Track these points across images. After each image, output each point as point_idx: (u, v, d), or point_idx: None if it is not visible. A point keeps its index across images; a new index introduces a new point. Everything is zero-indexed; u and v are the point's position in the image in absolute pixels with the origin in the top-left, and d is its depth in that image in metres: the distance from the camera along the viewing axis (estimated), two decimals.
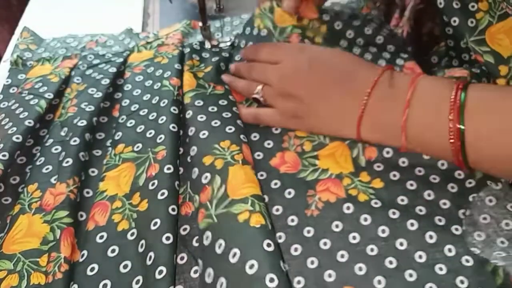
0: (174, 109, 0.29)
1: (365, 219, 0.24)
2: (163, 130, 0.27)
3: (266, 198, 0.25)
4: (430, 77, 0.24)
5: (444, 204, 0.24)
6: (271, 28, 0.33)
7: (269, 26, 0.33)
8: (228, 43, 0.36)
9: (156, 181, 0.25)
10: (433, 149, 0.23)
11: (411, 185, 0.25)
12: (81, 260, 0.23)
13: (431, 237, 0.23)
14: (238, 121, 0.28)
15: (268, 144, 0.28)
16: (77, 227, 0.24)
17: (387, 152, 0.26)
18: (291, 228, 0.24)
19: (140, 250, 0.23)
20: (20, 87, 0.33)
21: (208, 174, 0.24)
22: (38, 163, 0.28)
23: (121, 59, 0.35)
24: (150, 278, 0.21)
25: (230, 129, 0.26)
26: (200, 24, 0.35)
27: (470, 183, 0.24)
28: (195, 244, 0.24)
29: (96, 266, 0.23)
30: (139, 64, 0.34)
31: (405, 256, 0.22)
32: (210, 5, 0.35)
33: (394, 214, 0.24)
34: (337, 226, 0.24)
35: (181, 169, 0.27)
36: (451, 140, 0.21)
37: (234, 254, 0.20)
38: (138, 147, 0.28)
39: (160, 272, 0.21)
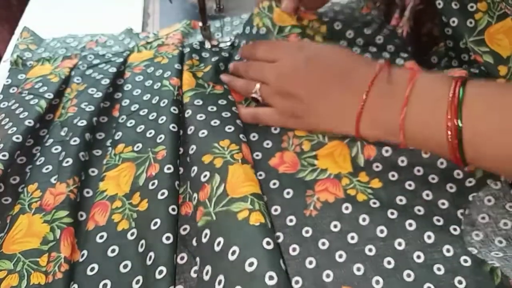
0: (174, 109, 0.29)
1: (364, 219, 0.24)
2: (163, 130, 0.28)
3: (265, 198, 0.25)
4: (429, 74, 0.23)
5: (443, 204, 0.24)
6: (270, 27, 0.33)
7: (268, 25, 0.33)
8: (228, 43, 0.36)
9: (156, 181, 0.25)
10: (431, 146, 0.23)
11: (410, 185, 0.25)
12: (81, 260, 0.23)
13: (429, 237, 0.23)
14: (238, 121, 0.28)
15: (267, 144, 0.28)
16: (77, 227, 0.24)
17: (386, 151, 0.26)
18: (290, 228, 0.24)
19: (140, 250, 0.23)
20: (20, 87, 0.33)
21: (207, 173, 0.24)
22: (38, 163, 0.28)
23: (121, 59, 0.35)
24: (150, 278, 0.21)
25: (230, 128, 0.27)
26: (200, 24, 0.35)
27: (470, 182, 0.24)
28: (195, 243, 0.24)
29: (96, 266, 0.23)
30: (139, 64, 0.34)
31: (403, 256, 0.22)
32: (210, 5, 0.35)
33: (392, 214, 0.24)
34: (335, 226, 0.24)
35: (181, 169, 0.27)
36: (449, 137, 0.21)
37: (233, 252, 0.20)
38: (138, 147, 0.28)
39: (160, 272, 0.21)
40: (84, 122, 0.29)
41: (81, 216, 0.25)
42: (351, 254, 0.23)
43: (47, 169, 0.27)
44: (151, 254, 0.22)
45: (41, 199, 0.26)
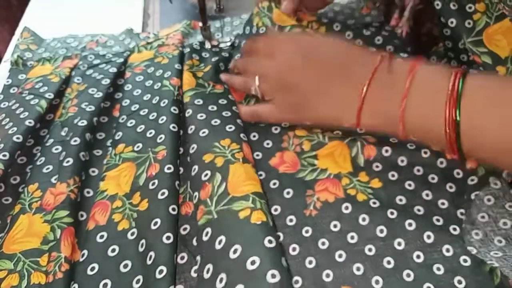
0: (174, 109, 0.29)
1: (364, 219, 0.24)
2: (163, 130, 0.28)
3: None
4: (429, 65, 0.23)
5: (443, 204, 0.24)
6: (270, 27, 0.33)
7: (267, 24, 0.33)
8: (228, 43, 0.36)
9: (156, 181, 0.25)
10: (430, 138, 0.23)
11: (410, 185, 0.25)
12: (81, 259, 0.23)
13: (429, 237, 0.23)
14: (238, 120, 0.28)
15: (267, 144, 0.28)
16: (77, 227, 0.24)
17: (386, 151, 0.26)
18: (290, 228, 0.24)
19: (141, 249, 0.23)
20: (21, 87, 0.33)
21: (208, 172, 0.24)
22: (38, 163, 0.28)
23: (121, 59, 0.35)
24: (151, 278, 0.21)
25: (230, 127, 0.27)
26: (200, 24, 0.35)
27: (472, 180, 0.24)
28: (195, 243, 0.24)
29: (96, 265, 0.23)
30: (139, 64, 0.34)
31: (403, 256, 0.22)
32: (210, 5, 0.36)
33: (392, 214, 0.24)
34: (335, 226, 0.24)
35: (181, 169, 0.27)
36: (447, 130, 0.21)
37: (235, 251, 0.20)
38: (138, 147, 0.28)
39: (161, 271, 0.21)
40: (85, 122, 0.29)
41: (82, 216, 0.25)
42: (351, 254, 0.23)
43: (47, 169, 0.27)
44: (151, 253, 0.22)
45: (41, 199, 0.26)
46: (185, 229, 0.24)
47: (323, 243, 0.23)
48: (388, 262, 0.22)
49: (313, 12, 0.35)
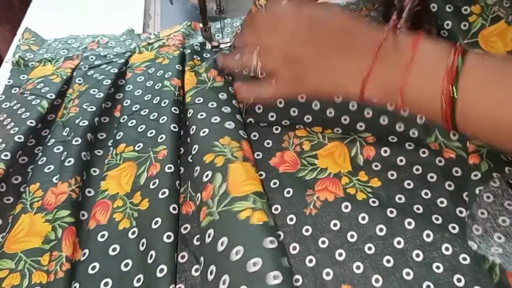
0: (175, 109, 0.29)
1: (363, 218, 0.24)
2: (164, 130, 0.28)
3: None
4: (431, 42, 0.23)
5: (442, 202, 0.25)
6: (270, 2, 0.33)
7: None
8: (229, 44, 0.36)
9: (157, 180, 0.25)
10: (426, 112, 0.23)
11: (409, 184, 0.26)
12: (82, 259, 0.23)
13: (428, 235, 0.23)
14: (238, 116, 0.28)
15: (268, 143, 0.28)
16: (78, 226, 0.25)
17: (385, 151, 0.27)
18: (290, 227, 0.24)
19: (141, 248, 0.23)
20: (22, 88, 0.33)
21: (209, 172, 0.24)
22: (40, 162, 0.28)
23: (122, 60, 0.35)
24: (151, 277, 0.21)
25: (230, 124, 0.27)
26: (201, 25, 0.35)
27: (475, 175, 0.24)
28: (196, 243, 0.24)
29: (97, 264, 0.23)
30: (140, 65, 0.34)
31: (402, 254, 0.23)
32: (210, 6, 0.36)
33: (391, 213, 0.24)
34: (335, 225, 0.24)
35: (182, 169, 0.27)
36: (443, 105, 0.21)
37: (237, 252, 0.20)
38: (139, 146, 0.28)
39: (161, 270, 0.21)
40: (86, 122, 0.29)
41: (83, 215, 0.25)
42: (350, 252, 0.23)
43: (49, 168, 0.28)
44: (152, 253, 0.22)
45: (42, 199, 0.26)
46: (185, 228, 0.25)
47: (323, 242, 0.23)
48: (388, 261, 0.22)
49: None
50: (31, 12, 0.44)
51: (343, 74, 0.24)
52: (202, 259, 0.22)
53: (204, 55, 0.35)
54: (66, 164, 0.26)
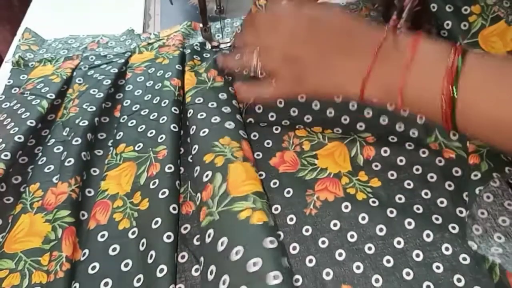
0: (175, 109, 0.29)
1: (363, 218, 0.24)
2: (164, 130, 0.28)
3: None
4: (431, 41, 0.23)
5: (442, 202, 0.25)
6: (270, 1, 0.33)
7: None
8: (229, 44, 0.36)
9: (157, 180, 0.25)
10: (426, 112, 0.23)
11: (409, 184, 0.26)
12: (82, 259, 0.23)
13: (428, 235, 0.23)
14: (238, 116, 0.28)
15: (268, 143, 0.28)
16: (78, 226, 0.25)
17: (385, 151, 0.27)
18: (290, 227, 0.24)
19: (141, 248, 0.23)
20: (22, 88, 0.33)
21: (209, 172, 0.24)
22: (40, 162, 0.28)
23: (122, 60, 0.35)
24: (151, 277, 0.21)
25: (230, 124, 0.27)
26: (201, 25, 0.35)
27: (475, 175, 0.24)
28: (196, 243, 0.24)
29: (97, 264, 0.23)
30: (140, 65, 0.34)
31: (402, 254, 0.23)
32: (210, 6, 0.36)
33: (391, 213, 0.24)
34: (335, 225, 0.24)
35: (182, 169, 0.27)
36: (443, 105, 0.21)
37: (237, 252, 0.20)
38: (139, 146, 0.28)
39: (161, 270, 0.21)
40: (86, 122, 0.29)
41: (83, 215, 0.25)
42: (350, 252, 0.23)
43: (49, 168, 0.28)
44: (152, 252, 0.22)
45: (42, 199, 0.26)
46: (185, 228, 0.25)
47: (323, 242, 0.23)
48: (388, 261, 0.22)
49: None
50: (31, 12, 0.44)
51: (343, 74, 0.24)
52: (202, 259, 0.22)
53: (204, 55, 0.35)
54: (66, 164, 0.26)
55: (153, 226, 0.23)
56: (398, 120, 0.28)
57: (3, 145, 0.27)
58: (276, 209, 0.25)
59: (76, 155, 0.27)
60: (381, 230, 0.23)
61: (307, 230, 0.24)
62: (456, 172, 0.25)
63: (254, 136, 0.29)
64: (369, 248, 0.23)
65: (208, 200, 0.23)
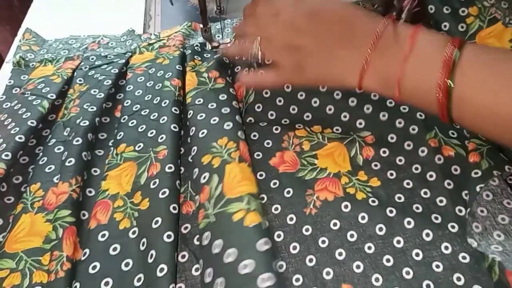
0: (175, 109, 0.29)
1: (363, 218, 0.24)
2: (164, 130, 0.28)
3: (265, 197, 0.25)
4: (430, 33, 0.23)
5: (441, 201, 0.25)
6: None
7: None
8: (229, 45, 0.37)
9: (157, 180, 0.25)
10: (423, 103, 0.23)
11: (408, 183, 0.26)
12: (83, 258, 0.23)
13: (428, 235, 0.23)
14: (237, 117, 0.28)
15: (268, 143, 0.28)
16: (79, 226, 0.25)
17: (384, 152, 0.27)
18: (290, 227, 0.24)
19: (142, 248, 0.23)
20: (23, 88, 0.33)
21: (206, 174, 0.24)
22: (40, 162, 0.28)
23: (123, 60, 0.35)
24: (152, 276, 0.21)
25: (228, 125, 0.27)
26: (201, 26, 0.35)
27: (476, 173, 0.24)
28: (196, 242, 0.24)
29: (98, 264, 0.23)
30: (140, 65, 0.35)
31: (402, 254, 0.23)
32: (211, 7, 0.36)
33: (391, 212, 0.24)
34: (335, 224, 0.24)
35: (182, 169, 0.27)
36: (439, 97, 0.21)
37: (230, 254, 0.20)
38: (139, 146, 0.28)
39: (161, 270, 0.21)
40: (87, 122, 0.29)
41: (83, 215, 0.26)
42: (350, 252, 0.23)
43: (49, 168, 0.28)
44: (152, 252, 0.22)
45: (43, 199, 0.26)
46: (186, 228, 0.25)
47: (323, 242, 0.23)
48: (388, 260, 0.23)
49: None
50: (31, 12, 0.44)
51: (342, 64, 0.24)
52: (201, 261, 0.22)
53: (205, 55, 0.35)
54: (66, 164, 0.27)
55: (154, 226, 0.23)
56: (398, 116, 0.28)
57: (4, 145, 0.28)
58: (276, 209, 0.25)
59: (76, 155, 0.27)
60: (380, 229, 0.24)
61: (307, 230, 0.24)
62: (455, 170, 0.25)
63: (254, 136, 0.29)
64: (369, 248, 0.23)
65: (205, 202, 0.23)
